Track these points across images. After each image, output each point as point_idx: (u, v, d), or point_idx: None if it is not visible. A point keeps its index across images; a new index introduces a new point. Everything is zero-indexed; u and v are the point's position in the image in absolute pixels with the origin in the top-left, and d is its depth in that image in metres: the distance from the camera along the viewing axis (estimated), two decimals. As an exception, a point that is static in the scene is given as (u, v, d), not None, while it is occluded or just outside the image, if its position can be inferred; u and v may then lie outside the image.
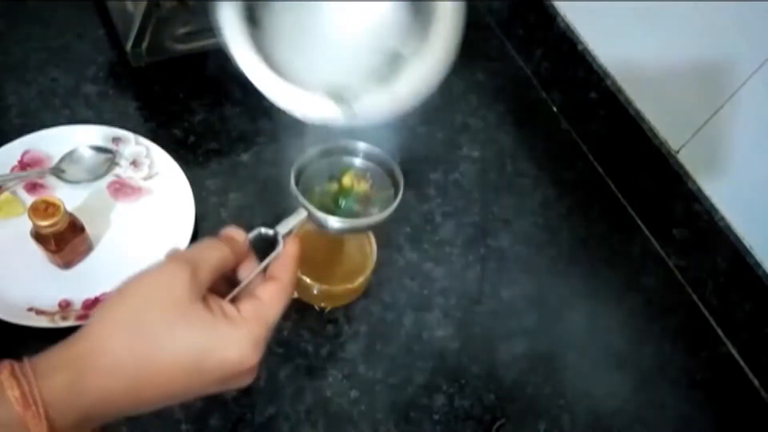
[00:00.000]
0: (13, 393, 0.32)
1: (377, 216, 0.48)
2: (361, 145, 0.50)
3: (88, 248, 0.60)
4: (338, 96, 0.49)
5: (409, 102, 0.49)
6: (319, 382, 0.58)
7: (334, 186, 0.51)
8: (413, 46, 0.50)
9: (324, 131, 0.52)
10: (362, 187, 0.51)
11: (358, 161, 0.51)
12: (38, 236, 0.55)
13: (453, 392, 0.60)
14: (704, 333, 0.69)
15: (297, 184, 0.47)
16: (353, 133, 0.51)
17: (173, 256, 0.39)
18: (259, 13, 0.51)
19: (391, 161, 0.50)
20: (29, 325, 0.54)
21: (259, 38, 0.49)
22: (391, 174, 0.50)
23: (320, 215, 0.45)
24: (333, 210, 0.46)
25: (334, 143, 0.50)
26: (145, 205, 0.64)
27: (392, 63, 0.51)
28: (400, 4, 0.52)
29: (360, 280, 0.59)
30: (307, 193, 0.47)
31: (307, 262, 0.57)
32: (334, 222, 0.46)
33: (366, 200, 0.51)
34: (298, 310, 0.61)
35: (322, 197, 0.50)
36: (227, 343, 0.36)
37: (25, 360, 0.34)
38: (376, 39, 0.53)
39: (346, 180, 0.51)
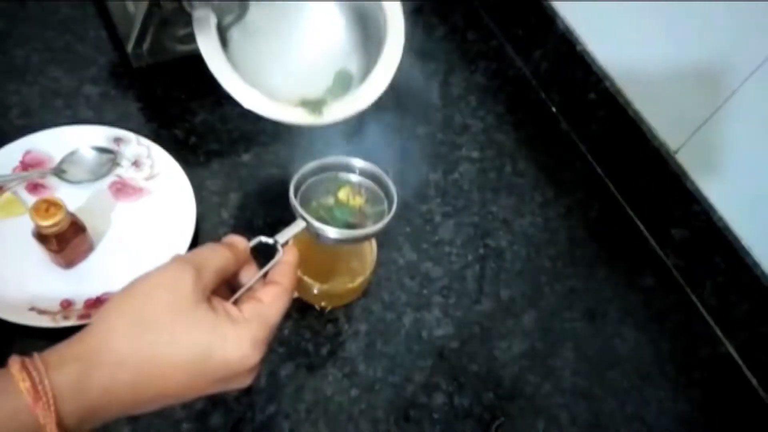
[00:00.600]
0: (24, 385, 0.33)
1: (371, 228, 0.50)
2: (357, 162, 0.53)
3: (90, 248, 0.60)
4: (307, 104, 0.57)
5: (365, 106, 0.58)
6: (320, 381, 0.58)
7: (331, 200, 0.53)
8: (363, 62, 0.62)
9: (322, 144, 0.61)
10: (357, 201, 0.54)
11: (353, 177, 0.54)
12: (40, 236, 0.55)
13: (452, 391, 0.60)
14: (703, 332, 0.69)
15: (296, 196, 0.50)
16: (351, 148, 0.56)
17: (178, 257, 0.40)
18: (230, 36, 0.61)
19: (385, 178, 0.53)
20: (31, 324, 0.54)
21: (234, 57, 0.58)
22: (385, 190, 0.53)
23: (318, 226, 0.48)
24: (329, 222, 0.49)
25: (332, 160, 0.53)
26: (146, 206, 0.64)
27: (347, 77, 0.63)
28: (352, 30, 0.64)
29: (360, 280, 0.59)
30: (305, 205, 0.50)
31: (307, 261, 0.57)
32: (330, 233, 0.48)
33: (360, 214, 0.54)
34: (298, 309, 0.61)
35: (319, 210, 0.52)
36: (229, 343, 0.37)
37: (35, 354, 0.35)
38: (332, 57, 0.63)
39: (342, 194, 0.54)
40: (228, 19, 0.61)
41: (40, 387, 0.33)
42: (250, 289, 0.42)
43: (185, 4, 0.57)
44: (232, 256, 0.42)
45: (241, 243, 0.43)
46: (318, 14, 0.64)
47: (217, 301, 0.39)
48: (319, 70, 0.63)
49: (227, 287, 0.43)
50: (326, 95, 0.61)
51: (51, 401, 0.33)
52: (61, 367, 0.35)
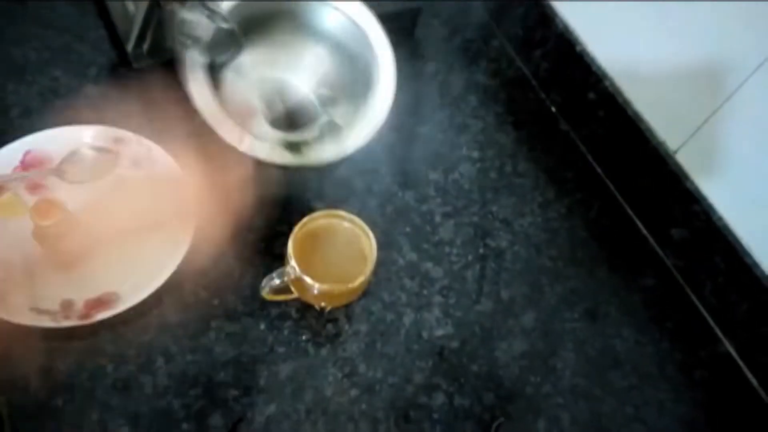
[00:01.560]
0: None
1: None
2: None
3: (90, 248, 0.60)
4: (291, 145, 0.60)
5: (350, 151, 0.60)
6: (319, 382, 0.58)
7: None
8: (351, 105, 0.64)
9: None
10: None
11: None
12: (40, 236, 0.55)
13: (452, 391, 0.60)
14: (703, 332, 0.69)
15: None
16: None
17: None
18: (223, 76, 0.63)
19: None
20: (31, 324, 0.54)
21: (226, 97, 0.60)
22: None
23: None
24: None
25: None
26: (146, 206, 0.64)
27: (332, 122, 0.65)
28: (343, 72, 0.66)
29: (360, 280, 0.59)
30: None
31: (307, 262, 0.57)
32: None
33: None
34: (298, 309, 0.61)
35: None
36: None
37: None
38: (321, 100, 0.66)
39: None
40: (221, 58, 0.61)
41: None
42: None
43: (178, 44, 0.57)
44: None
45: None
46: (309, 56, 0.66)
47: None
48: (309, 112, 0.66)
49: None
50: (310, 141, 0.62)
51: None
52: None
